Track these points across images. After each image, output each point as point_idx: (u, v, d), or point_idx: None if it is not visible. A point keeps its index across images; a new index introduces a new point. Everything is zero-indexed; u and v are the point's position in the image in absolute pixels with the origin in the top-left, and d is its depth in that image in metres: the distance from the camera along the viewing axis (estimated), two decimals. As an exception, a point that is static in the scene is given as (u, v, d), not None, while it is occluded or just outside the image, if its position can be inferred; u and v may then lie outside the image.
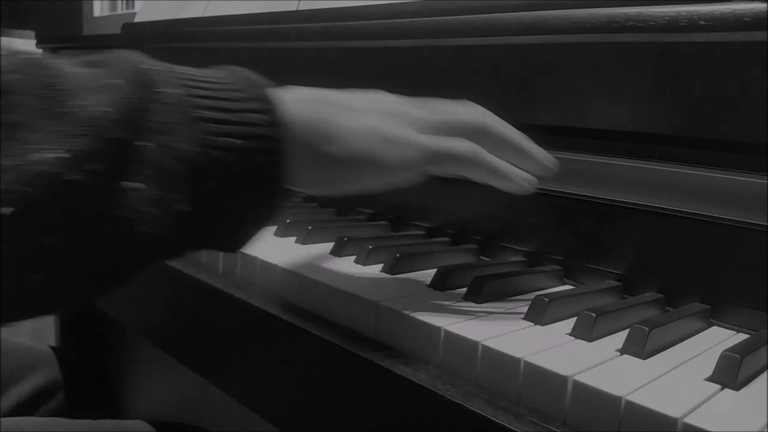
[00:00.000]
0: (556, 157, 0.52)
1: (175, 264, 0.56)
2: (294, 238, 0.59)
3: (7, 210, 0.27)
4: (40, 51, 1.41)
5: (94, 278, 0.32)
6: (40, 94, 0.28)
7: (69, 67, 0.31)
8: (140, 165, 0.30)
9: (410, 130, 0.41)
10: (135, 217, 0.30)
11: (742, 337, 0.42)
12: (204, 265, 0.56)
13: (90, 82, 0.30)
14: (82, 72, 0.31)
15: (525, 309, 0.42)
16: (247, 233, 0.37)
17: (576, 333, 0.39)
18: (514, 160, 0.44)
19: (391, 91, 0.66)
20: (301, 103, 0.38)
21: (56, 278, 0.30)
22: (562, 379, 0.33)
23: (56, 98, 0.29)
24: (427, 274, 0.50)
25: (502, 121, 0.45)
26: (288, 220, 0.61)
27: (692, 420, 0.29)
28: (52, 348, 0.98)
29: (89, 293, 0.33)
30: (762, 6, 0.41)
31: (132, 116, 0.30)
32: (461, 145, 0.41)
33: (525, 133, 0.55)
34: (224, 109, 0.34)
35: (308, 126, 0.38)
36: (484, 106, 0.58)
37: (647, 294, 0.47)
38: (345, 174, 0.39)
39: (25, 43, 1.98)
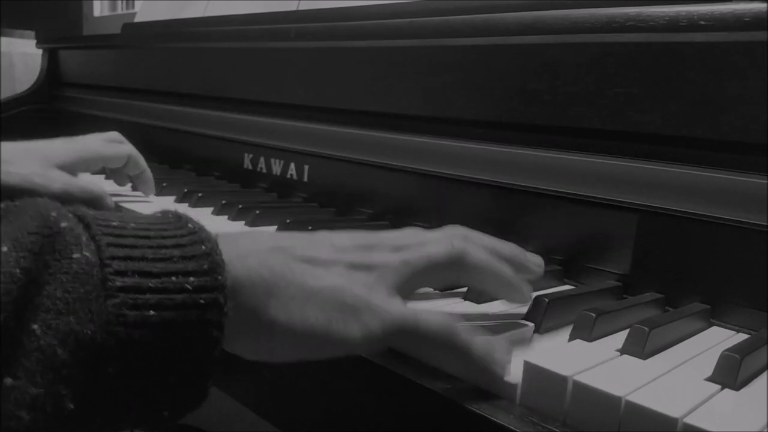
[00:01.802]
0: (556, 157, 0.52)
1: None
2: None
3: None
4: (39, 51, 1.41)
5: None
6: None
7: None
8: (19, 355, 0.24)
9: (378, 288, 0.35)
10: (6, 422, 0.24)
11: (742, 337, 0.42)
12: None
13: None
14: None
15: (525, 309, 0.42)
16: (166, 419, 0.29)
17: (576, 333, 0.39)
18: (493, 289, 0.40)
19: (391, 89, 0.66)
20: (252, 258, 0.32)
21: None
22: (562, 379, 0.33)
23: None
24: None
25: (484, 240, 0.40)
26: (288, 220, 0.61)
27: (692, 420, 0.29)
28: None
29: None
30: (762, 6, 0.41)
31: (16, 293, 0.24)
32: (431, 324, 0.34)
33: (527, 134, 0.55)
34: (145, 272, 0.27)
35: (257, 287, 0.32)
36: (483, 106, 0.58)
37: (647, 294, 0.47)
38: (290, 346, 0.33)
39: (25, 43, 1.98)
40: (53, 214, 0.27)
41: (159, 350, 0.27)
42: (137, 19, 1.37)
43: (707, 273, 0.45)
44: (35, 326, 0.24)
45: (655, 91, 0.47)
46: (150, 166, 0.81)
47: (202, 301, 0.28)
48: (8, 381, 0.24)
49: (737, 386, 0.33)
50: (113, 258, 0.27)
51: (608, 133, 0.50)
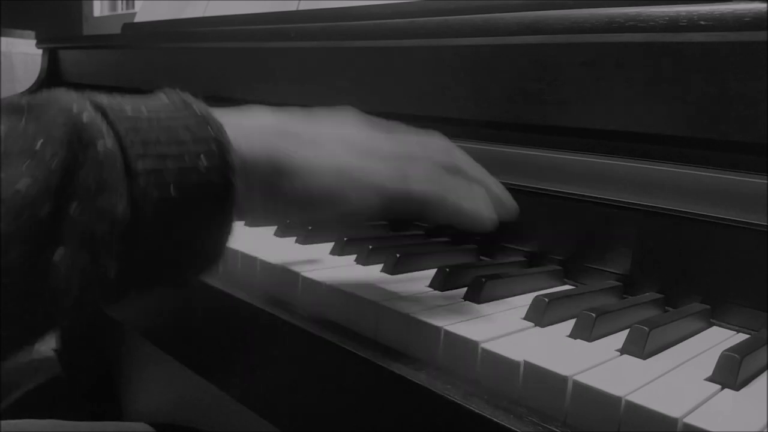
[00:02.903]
0: (556, 157, 0.52)
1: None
2: (294, 238, 0.59)
3: None
4: (39, 51, 1.41)
5: (19, 341, 0.29)
6: None
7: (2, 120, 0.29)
8: (64, 233, 0.28)
9: (374, 168, 0.39)
10: (61, 290, 0.28)
11: (742, 337, 0.42)
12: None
13: (14, 146, 0.28)
14: (9, 130, 0.28)
15: (525, 309, 0.42)
16: (189, 277, 0.35)
17: (576, 333, 0.39)
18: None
19: (391, 89, 0.66)
20: (257, 135, 0.36)
21: None
22: (562, 379, 0.33)
23: None
24: (427, 275, 0.50)
25: (469, 158, 0.44)
26: (288, 220, 0.60)
27: (692, 420, 0.29)
28: (54, 350, 0.98)
29: (12, 350, 0.30)
30: (762, 6, 0.41)
31: (56, 182, 0.28)
32: (422, 188, 0.39)
33: (527, 134, 0.55)
34: (162, 155, 0.31)
35: (265, 162, 0.35)
36: (483, 106, 0.58)
37: (647, 294, 0.47)
38: (298, 210, 0.38)
39: (25, 43, 1.98)
40: (74, 108, 0.30)
41: (181, 222, 0.32)
42: (137, 19, 1.37)
43: (707, 273, 0.45)
44: (72, 210, 0.28)
45: (655, 91, 0.47)
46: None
47: (214, 180, 0.32)
48: (57, 256, 0.28)
49: (737, 386, 0.33)
50: (133, 144, 0.30)
51: (608, 133, 0.50)
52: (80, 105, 0.30)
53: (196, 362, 0.58)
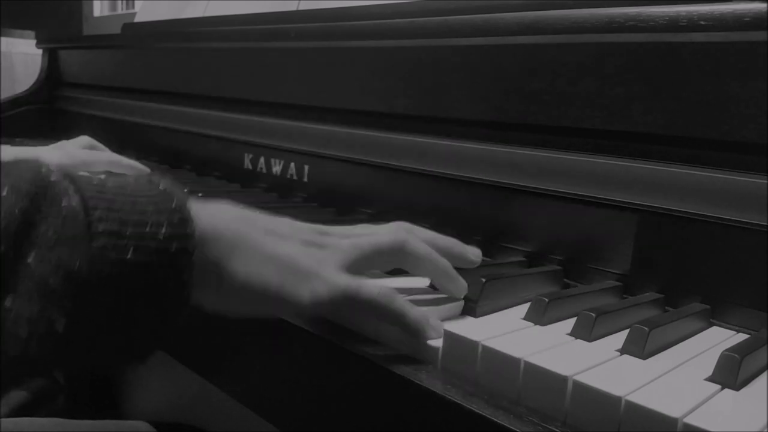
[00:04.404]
0: (556, 157, 0.52)
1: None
2: None
3: None
4: (39, 51, 1.41)
5: None
6: None
7: None
8: (17, 282, 0.29)
9: (328, 263, 0.39)
10: (8, 335, 0.29)
11: (742, 337, 0.42)
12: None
13: None
14: None
15: (525, 309, 0.42)
16: (137, 351, 0.34)
17: (576, 333, 0.39)
18: (430, 276, 0.44)
19: (391, 89, 0.67)
20: (219, 219, 0.37)
21: None
22: (562, 379, 0.33)
23: None
24: (427, 274, 0.50)
25: (425, 235, 0.45)
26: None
27: (692, 420, 0.29)
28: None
29: None
30: (762, 6, 0.41)
31: (14, 228, 0.29)
32: (373, 291, 0.39)
33: (527, 134, 0.55)
34: (123, 221, 0.32)
35: (221, 241, 0.36)
36: (483, 106, 0.58)
37: (647, 294, 0.47)
38: (246, 301, 0.37)
39: (25, 43, 1.98)
40: (43, 170, 0.32)
41: (136, 287, 0.32)
42: (137, 19, 1.36)
43: (707, 273, 0.45)
44: (30, 259, 0.29)
45: (655, 91, 0.47)
46: (150, 167, 0.81)
47: (173, 249, 0.32)
48: (8, 302, 0.28)
49: (737, 386, 0.33)
50: (96, 208, 0.31)
51: (608, 133, 0.50)
52: (49, 169, 0.32)
53: (195, 361, 0.58)
